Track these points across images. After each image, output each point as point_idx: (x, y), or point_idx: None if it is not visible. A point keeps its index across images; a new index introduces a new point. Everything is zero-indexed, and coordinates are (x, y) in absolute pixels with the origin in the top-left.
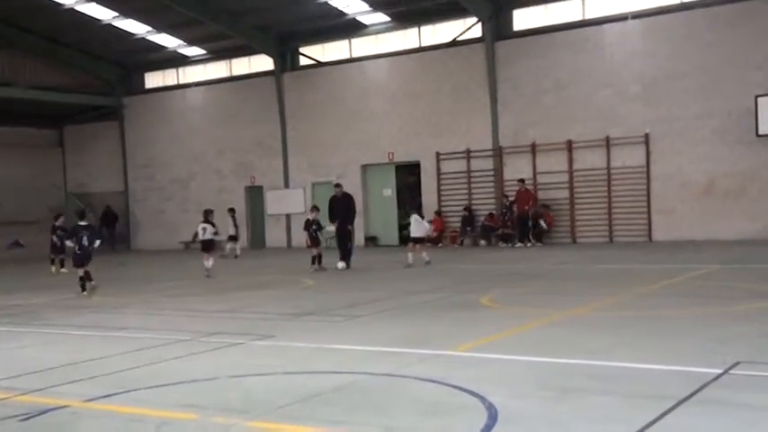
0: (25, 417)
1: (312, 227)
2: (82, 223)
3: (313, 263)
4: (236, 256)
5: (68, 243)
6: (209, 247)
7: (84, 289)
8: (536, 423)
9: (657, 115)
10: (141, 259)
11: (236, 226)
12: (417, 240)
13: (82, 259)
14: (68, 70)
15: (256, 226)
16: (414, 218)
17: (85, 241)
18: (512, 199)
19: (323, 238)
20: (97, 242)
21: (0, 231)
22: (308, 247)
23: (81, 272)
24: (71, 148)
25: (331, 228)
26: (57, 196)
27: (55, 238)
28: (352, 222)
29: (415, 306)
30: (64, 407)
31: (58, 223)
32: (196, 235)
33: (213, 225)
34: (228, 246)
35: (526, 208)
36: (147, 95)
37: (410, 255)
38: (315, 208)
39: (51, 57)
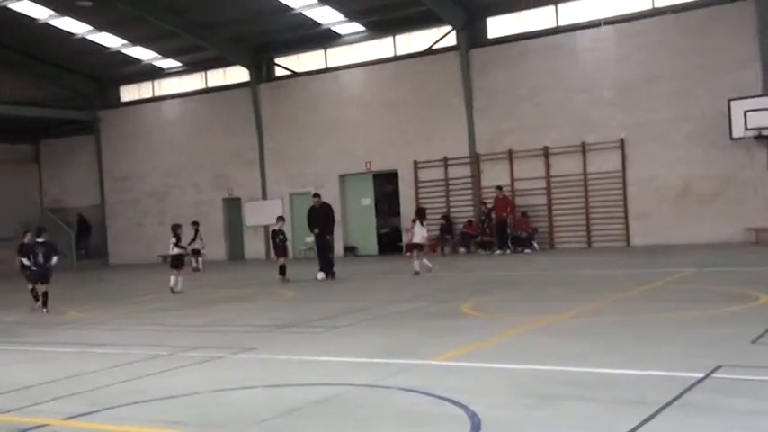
0: None
1: (279, 237)
2: (39, 240)
3: (282, 273)
4: (195, 269)
5: (24, 261)
6: (177, 263)
7: (37, 300)
8: (518, 431)
9: (632, 120)
10: (119, 273)
11: (200, 240)
12: (417, 247)
13: (37, 276)
14: (43, 84)
15: (235, 238)
16: (417, 224)
17: (41, 258)
18: (490, 206)
19: (290, 248)
20: (54, 258)
21: None
22: (278, 257)
23: (40, 287)
24: (47, 162)
25: (309, 239)
26: (33, 212)
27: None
28: (331, 232)
29: (395, 316)
30: (43, 425)
31: (26, 240)
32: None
33: (179, 239)
34: (195, 260)
35: (504, 215)
36: (123, 109)
37: (416, 263)
38: (280, 218)
39: (26, 71)
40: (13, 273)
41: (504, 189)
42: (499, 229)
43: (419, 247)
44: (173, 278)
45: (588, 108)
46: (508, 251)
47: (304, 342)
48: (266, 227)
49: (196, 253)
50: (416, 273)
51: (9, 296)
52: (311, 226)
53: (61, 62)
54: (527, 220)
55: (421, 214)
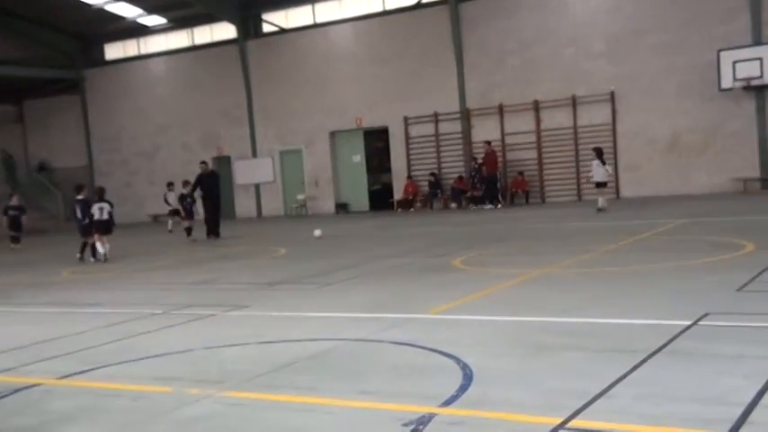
0: None
1: (186, 200)
2: (79, 197)
3: (189, 234)
4: (169, 231)
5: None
6: (107, 228)
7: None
8: (510, 381)
9: (622, 73)
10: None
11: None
12: (599, 184)
13: (82, 231)
14: (26, 43)
15: (225, 196)
16: (595, 163)
17: (79, 213)
18: (480, 161)
19: (196, 210)
20: (96, 213)
21: None
22: (183, 219)
23: (90, 240)
24: (32, 123)
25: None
26: (18, 173)
27: (6, 218)
28: (219, 197)
29: (386, 271)
30: (37, 385)
31: (12, 203)
32: (92, 216)
33: (110, 204)
34: (170, 220)
35: (494, 169)
36: (108, 67)
37: (600, 199)
38: (187, 182)
39: (7, 30)
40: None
41: (492, 144)
42: (489, 184)
43: (602, 184)
44: (106, 244)
45: (578, 61)
46: (499, 205)
47: (296, 299)
48: (257, 185)
49: (174, 213)
50: (599, 209)
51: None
52: (203, 191)
53: (43, 20)
54: (524, 180)
55: (599, 153)
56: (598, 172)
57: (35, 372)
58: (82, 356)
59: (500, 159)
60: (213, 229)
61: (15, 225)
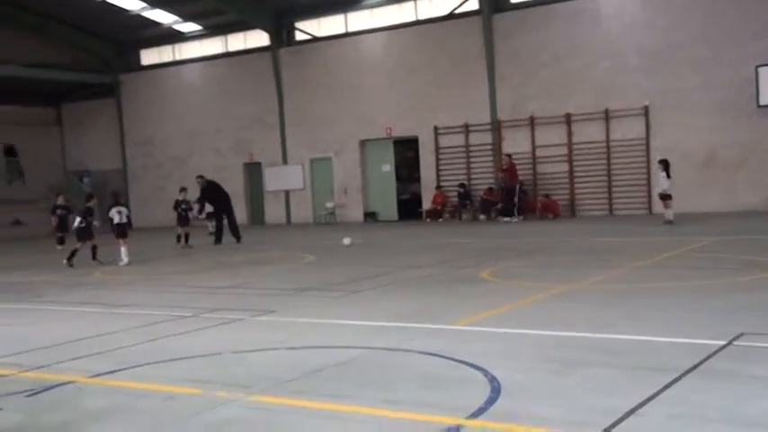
0: (31, 392)
1: (181, 206)
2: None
3: (179, 241)
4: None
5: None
6: (124, 231)
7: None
8: (539, 395)
9: (657, 87)
10: (141, 236)
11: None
12: (663, 196)
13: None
14: (64, 48)
15: (255, 202)
16: (662, 175)
17: (123, 218)
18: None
19: (192, 217)
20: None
21: (0, 209)
22: (178, 226)
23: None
24: (69, 125)
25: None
26: (56, 175)
27: (55, 218)
28: (224, 206)
29: (415, 280)
30: (69, 383)
31: (59, 202)
32: (112, 220)
33: (128, 208)
34: (210, 224)
35: (515, 181)
36: (144, 72)
37: (668, 212)
38: (183, 189)
39: (47, 34)
40: (37, 234)
41: (513, 156)
42: (508, 196)
43: (666, 196)
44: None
45: (612, 74)
46: (515, 219)
47: (325, 305)
48: (286, 192)
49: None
50: (666, 222)
51: (36, 256)
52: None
53: (81, 25)
54: (553, 202)
55: (665, 166)
56: (663, 183)
57: (68, 369)
58: (113, 356)
59: (530, 172)
60: (234, 234)
61: (63, 225)
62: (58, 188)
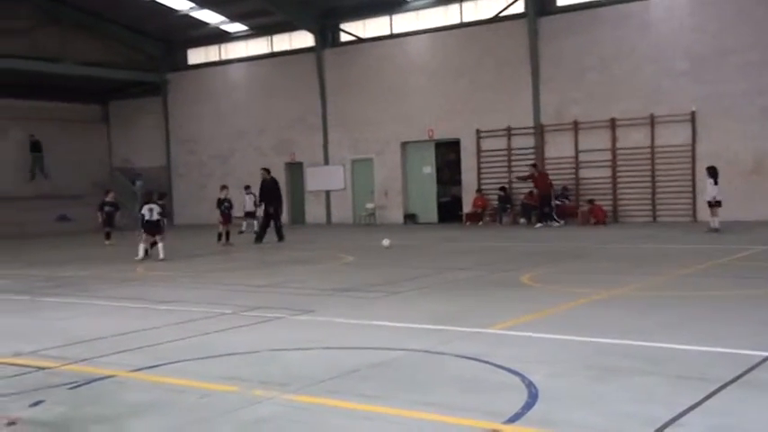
0: (73, 385)
1: (224, 204)
2: (158, 202)
3: (219, 239)
4: (254, 232)
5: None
6: (155, 229)
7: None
8: (576, 402)
9: (704, 93)
10: (184, 233)
11: (254, 203)
12: (712, 204)
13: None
14: (113, 46)
15: (296, 202)
16: (709, 182)
17: (155, 215)
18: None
19: (233, 215)
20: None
21: (47, 205)
22: (221, 224)
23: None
24: (116, 123)
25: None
26: (102, 171)
27: (101, 213)
28: (278, 206)
29: (454, 283)
30: (110, 376)
31: (107, 198)
32: (143, 217)
33: (161, 206)
34: (245, 222)
35: (547, 192)
36: (190, 71)
37: (714, 219)
38: (224, 187)
39: (96, 33)
40: (84, 230)
41: (538, 166)
42: (543, 203)
43: (715, 203)
44: (157, 244)
45: (658, 79)
46: (555, 224)
47: (362, 306)
48: (327, 192)
49: (249, 215)
50: (711, 229)
51: (82, 250)
52: (263, 200)
53: (131, 24)
54: (598, 208)
55: (712, 173)
56: (710, 192)
57: (110, 363)
58: (154, 351)
59: (572, 177)
60: (277, 233)
61: (110, 221)
62: (103, 185)
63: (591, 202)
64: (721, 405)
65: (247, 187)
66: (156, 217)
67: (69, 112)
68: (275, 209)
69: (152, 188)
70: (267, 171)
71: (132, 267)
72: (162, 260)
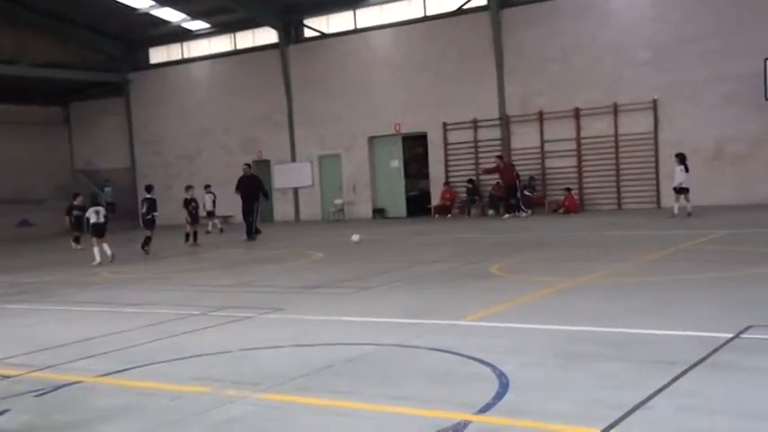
0: (40, 392)
1: (191, 204)
2: (147, 196)
3: (187, 239)
4: (220, 230)
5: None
6: (101, 231)
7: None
8: (547, 390)
9: (665, 81)
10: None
11: (213, 203)
12: (678, 190)
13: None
14: (72, 47)
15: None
16: (678, 168)
17: (144, 210)
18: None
19: (200, 215)
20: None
21: (8, 210)
22: (188, 224)
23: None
24: (77, 124)
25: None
26: (64, 174)
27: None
28: (257, 199)
29: (424, 276)
30: (77, 382)
31: (76, 202)
32: (88, 220)
33: (105, 208)
34: (211, 222)
35: (512, 182)
36: (152, 71)
37: (687, 204)
38: (190, 187)
39: (55, 33)
40: (46, 234)
41: (505, 157)
42: (509, 194)
43: (683, 189)
44: (104, 246)
45: (620, 69)
46: (523, 214)
47: (333, 303)
48: (295, 189)
49: (210, 215)
50: (672, 216)
51: (46, 256)
52: (239, 192)
53: (90, 24)
54: (572, 199)
55: (681, 159)
56: (679, 177)
57: (77, 369)
58: (123, 355)
59: (539, 167)
60: (247, 231)
61: (78, 225)
62: (67, 188)
63: (569, 190)
64: (688, 387)
65: (207, 186)
66: (102, 219)
67: (28, 114)
68: (251, 204)
69: (150, 183)
70: (249, 166)
71: (97, 271)
72: (112, 260)
